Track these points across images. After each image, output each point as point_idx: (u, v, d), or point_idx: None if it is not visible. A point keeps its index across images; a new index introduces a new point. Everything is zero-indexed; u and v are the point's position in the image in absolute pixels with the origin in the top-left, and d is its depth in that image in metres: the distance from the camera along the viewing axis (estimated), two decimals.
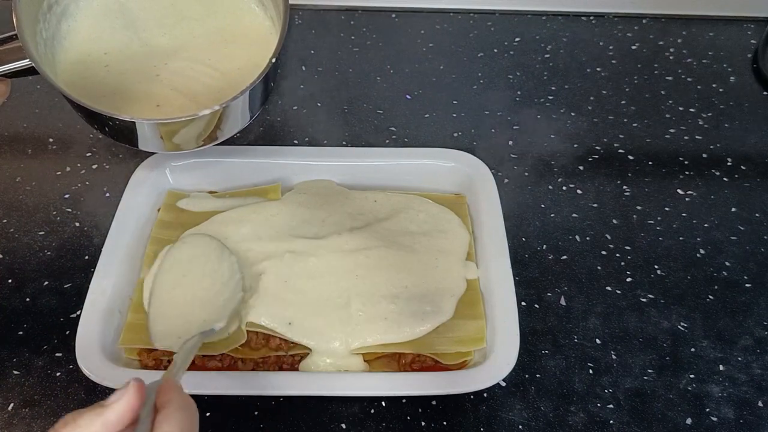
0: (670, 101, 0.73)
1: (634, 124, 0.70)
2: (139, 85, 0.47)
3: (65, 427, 0.31)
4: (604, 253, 0.59)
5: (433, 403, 0.50)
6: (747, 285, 0.57)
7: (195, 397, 0.35)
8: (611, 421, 0.49)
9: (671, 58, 0.78)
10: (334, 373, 0.49)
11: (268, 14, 0.50)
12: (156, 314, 0.50)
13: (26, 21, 0.43)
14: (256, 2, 0.51)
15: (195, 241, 0.54)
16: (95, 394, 0.49)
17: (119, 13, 0.50)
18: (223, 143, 0.66)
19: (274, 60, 0.44)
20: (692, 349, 0.53)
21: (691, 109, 0.72)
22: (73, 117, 0.68)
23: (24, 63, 0.42)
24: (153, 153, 0.60)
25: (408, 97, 0.73)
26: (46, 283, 0.56)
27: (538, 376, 0.51)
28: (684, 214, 0.62)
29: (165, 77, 0.48)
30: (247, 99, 0.44)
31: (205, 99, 0.46)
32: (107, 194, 0.62)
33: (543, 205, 0.62)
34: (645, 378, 0.51)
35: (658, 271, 0.58)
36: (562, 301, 0.56)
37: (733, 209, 0.63)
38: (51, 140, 0.67)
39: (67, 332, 0.52)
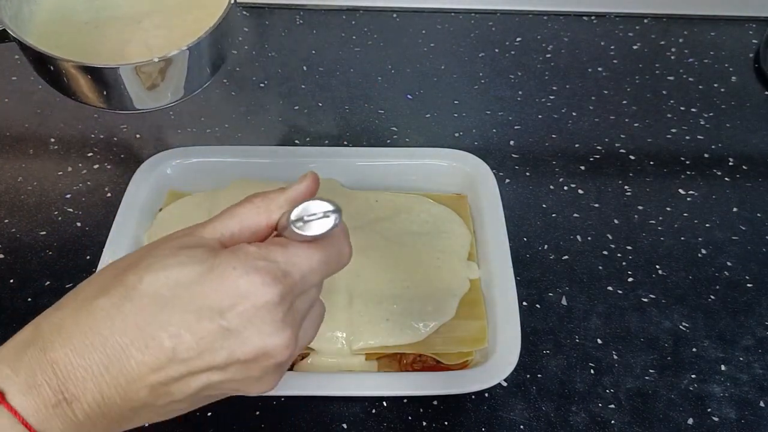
0: (672, 101, 0.73)
1: (636, 124, 0.70)
2: (106, 44, 0.48)
3: (256, 197, 0.33)
4: (605, 253, 0.59)
5: (435, 403, 0.50)
6: (748, 285, 0.57)
7: None
8: (612, 421, 0.49)
9: (672, 57, 0.78)
10: (335, 373, 0.49)
11: None
12: None
13: None
14: None
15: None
16: None
17: None
18: (224, 143, 0.67)
19: (233, 1, 0.46)
20: (694, 349, 0.53)
21: (693, 109, 0.72)
22: (75, 117, 0.69)
23: None
24: (154, 153, 0.60)
25: (409, 97, 0.73)
26: (47, 283, 0.56)
27: (539, 376, 0.51)
28: (685, 214, 0.62)
29: (134, 38, 0.48)
30: (208, 46, 0.46)
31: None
32: (108, 194, 0.62)
33: (544, 205, 0.62)
34: (646, 378, 0.51)
35: (660, 271, 0.58)
36: (564, 301, 0.56)
37: (735, 209, 0.63)
38: (52, 140, 0.67)
39: None
